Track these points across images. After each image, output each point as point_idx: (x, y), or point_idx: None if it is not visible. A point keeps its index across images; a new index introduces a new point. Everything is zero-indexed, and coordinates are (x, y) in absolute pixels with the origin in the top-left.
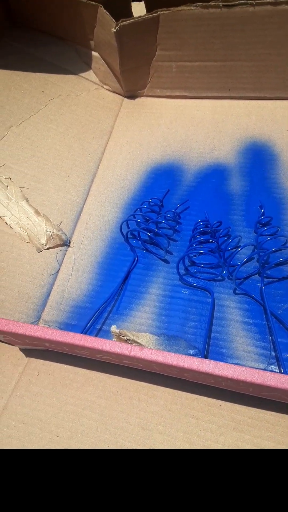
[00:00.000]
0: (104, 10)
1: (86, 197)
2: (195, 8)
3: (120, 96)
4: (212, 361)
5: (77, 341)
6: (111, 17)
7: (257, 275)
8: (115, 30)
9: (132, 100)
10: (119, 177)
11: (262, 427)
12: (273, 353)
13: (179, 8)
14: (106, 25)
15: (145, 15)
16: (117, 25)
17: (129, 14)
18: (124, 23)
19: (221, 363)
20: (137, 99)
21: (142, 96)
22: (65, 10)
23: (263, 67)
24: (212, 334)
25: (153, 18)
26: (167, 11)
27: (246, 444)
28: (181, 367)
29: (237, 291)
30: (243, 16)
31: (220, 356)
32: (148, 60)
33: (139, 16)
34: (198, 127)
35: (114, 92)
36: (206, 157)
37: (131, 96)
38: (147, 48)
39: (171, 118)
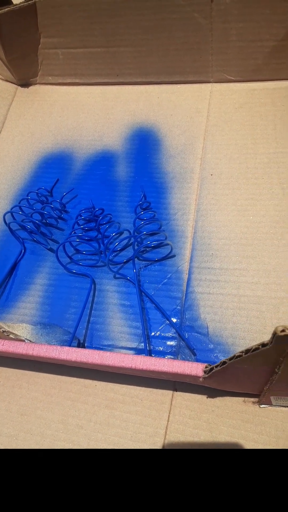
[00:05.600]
0: None
1: None
2: None
3: (14, 85)
4: (46, 346)
5: None
6: None
7: (136, 259)
8: None
9: (26, 89)
10: (10, 168)
11: (132, 402)
12: (145, 332)
13: None
14: None
15: (20, 3)
16: None
17: (9, 2)
18: (0, 12)
19: (57, 347)
20: (30, 87)
21: (36, 84)
22: None
23: (144, 52)
24: (91, 319)
25: (30, 5)
26: None
27: (116, 420)
28: (24, 354)
29: (116, 276)
30: (117, 1)
31: (97, 339)
32: (34, 47)
33: (15, 4)
34: (89, 114)
35: (7, 81)
36: (95, 145)
37: (25, 84)
38: (30, 35)
39: (62, 105)
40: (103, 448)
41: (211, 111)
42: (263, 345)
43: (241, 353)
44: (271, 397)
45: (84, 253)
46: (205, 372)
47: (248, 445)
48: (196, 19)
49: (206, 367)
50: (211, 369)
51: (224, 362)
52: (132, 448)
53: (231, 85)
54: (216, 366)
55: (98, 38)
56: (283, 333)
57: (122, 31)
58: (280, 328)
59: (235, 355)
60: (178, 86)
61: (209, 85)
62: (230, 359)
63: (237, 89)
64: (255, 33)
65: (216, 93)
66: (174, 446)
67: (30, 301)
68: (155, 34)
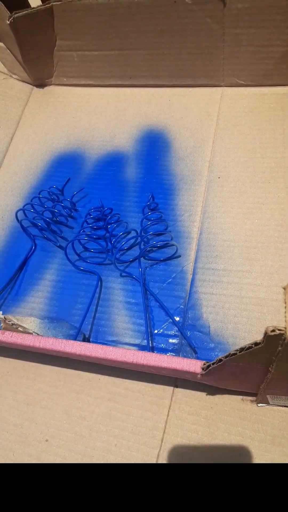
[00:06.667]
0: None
1: None
2: None
3: (30, 85)
4: (52, 339)
5: None
6: (5, 9)
7: (142, 258)
8: (9, 22)
9: (41, 89)
10: (24, 166)
11: (133, 396)
12: (149, 330)
13: None
14: (3, 16)
15: (38, 6)
16: (10, 16)
17: (27, 5)
18: (18, 14)
19: (63, 341)
20: (45, 88)
21: (51, 84)
22: None
23: (156, 55)
24: (97, 315)
25: (46, 8)
26: (59, 2)
27: (117, 412)
28: (31, 346)
29: (122, 274)
30: (131, 6)
31: (101, 335)
32: (49, 49)
33: (32, 7)
34: (101, 115)
35: (23, 81)
36: (106, 145)
37: (40, 85)
38: (46, 38)
39: (76, 106)
40: (104, 438)
41: (221, 115)
42: (256, 344)
43: (236, 351)
44: (268, 396)
45: (92, 251)
46: (202, 369)
47: (245, 441)
48: (209, 24)
49: (204, 364)
50: (208, 366)
51: (220, 360)
52: (132, 440)
53: (242, 89)
54: (213, 364)
55: (112, 41)
56: (273, 333)
57: (135, 34)
58: (271, 328)
59: (230, 353)
60: (190, 89)
61: (220, 89)
62: (226, 356)
63: (247, 93)
64: (266, 39)
65: (227, 97)
66: (172, 440)
67: (39, 296)
68: (168, 38)
